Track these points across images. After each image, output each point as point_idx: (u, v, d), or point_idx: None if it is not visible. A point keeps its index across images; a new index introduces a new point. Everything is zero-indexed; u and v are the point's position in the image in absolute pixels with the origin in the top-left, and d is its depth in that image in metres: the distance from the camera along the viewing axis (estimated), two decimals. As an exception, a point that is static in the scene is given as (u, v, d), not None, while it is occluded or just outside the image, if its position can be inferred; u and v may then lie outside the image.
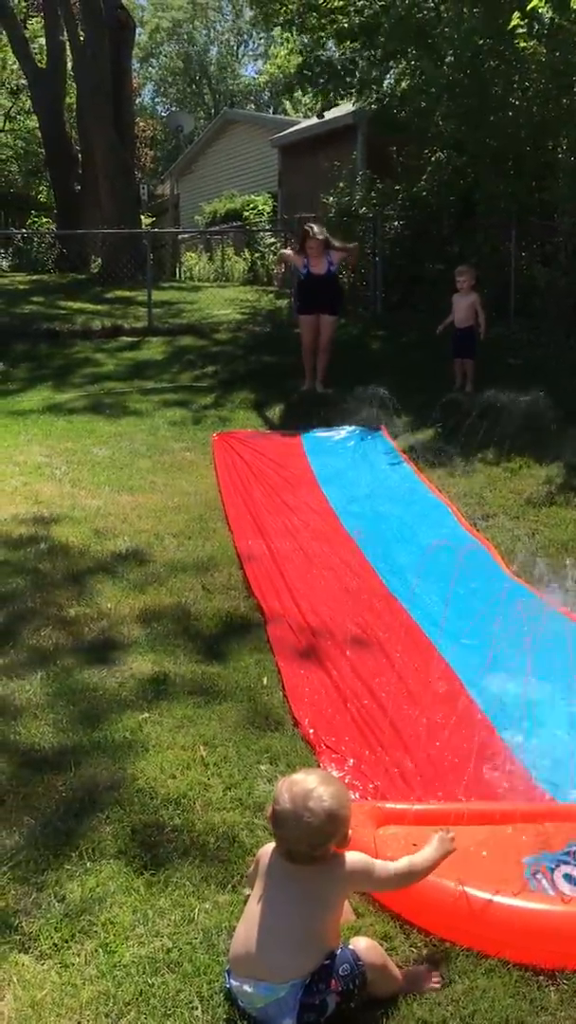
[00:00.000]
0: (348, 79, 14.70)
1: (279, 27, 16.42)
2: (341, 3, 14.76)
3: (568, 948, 2.36)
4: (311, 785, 2.18)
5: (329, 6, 14.88)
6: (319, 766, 3.20)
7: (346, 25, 14.57)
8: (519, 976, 2.30)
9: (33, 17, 25.98)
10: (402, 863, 2.31)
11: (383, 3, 13.81)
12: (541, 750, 3.25)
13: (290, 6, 15.32)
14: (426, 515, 6.03)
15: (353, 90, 14.93)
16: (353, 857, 2.25)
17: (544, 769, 3.15)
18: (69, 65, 21.86)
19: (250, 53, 52.64)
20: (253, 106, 48.54)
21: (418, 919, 2.47)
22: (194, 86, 51.58)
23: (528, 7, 10.24)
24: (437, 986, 2.26)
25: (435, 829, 2.73)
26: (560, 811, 2.89)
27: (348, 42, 14.64)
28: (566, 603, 4.52)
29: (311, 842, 2.15)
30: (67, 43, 21.12)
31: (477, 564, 5.09)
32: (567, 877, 2.59)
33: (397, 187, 15.15)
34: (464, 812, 2.83)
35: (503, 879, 2.53)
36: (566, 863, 2.63)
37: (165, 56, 51.89)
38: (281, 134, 22.08)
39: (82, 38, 19.05)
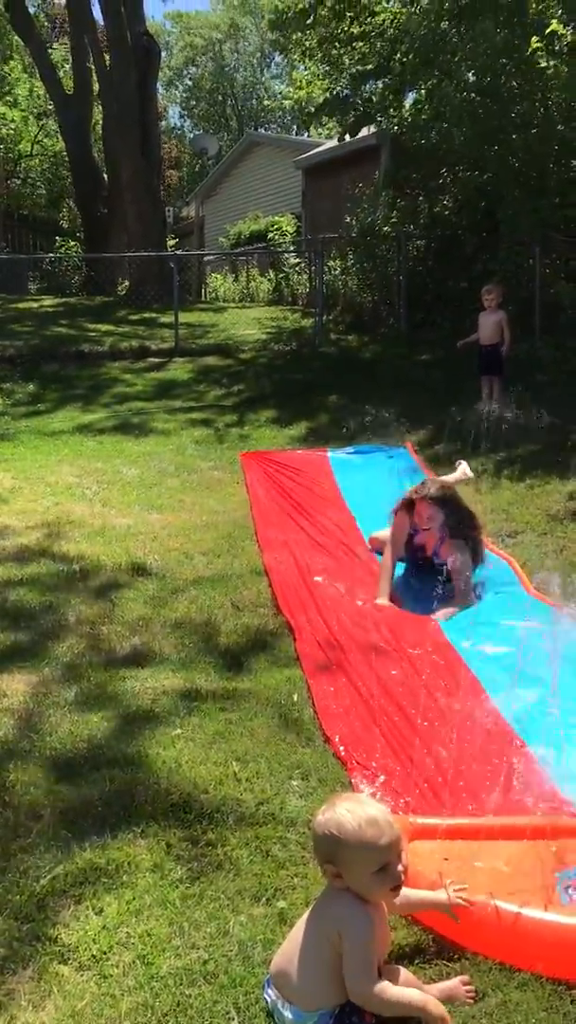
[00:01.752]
0: (367, 110, 14.93)
1: (298, 55, 16.65)
2: (359, 30, 14.96)
3: (601, 962, 2.37)
4: (340, 802, 2.21)
5: (349, 33, 15.09)
6: (350, 782, 3.23)
7: (366, 52, 14.78)
8: (552, 990, 2.31)
9: (57, 41, 26.40)
10: (377, 985, 2.09)
11: (399, 29, 14.00)
12: (571, 765, 3.26)
13: (310, 37, 15.53)
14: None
15: (375, 118, 15.13)
16: (356, 919, 2.13)
17: (574, 784, 3.16)
18: (95, 89, 22.21)
19: (273, 73, 53.13)
20: (277, 127, 48.99)
21: (450, 933, 2.49)
22: (219, 107, 52.14)
23: (547, 30, 10.36)
24: (470, 1000, 2.28)
25: (466, 844, 2.76)
26: (591, 826, 2.90)
27: (369, 81, 14.89)
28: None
29: (313, 848, 2.24)
30: (93, 69, 21.47)
31: (501, 581, 5.12)
32: (599, 892, 2.60)
33: (418, 207, 15.28)
34: (495, 827, 2.86)
35: (535, 893, 2.55)
36: (598, 878, 2.65)
37: (190, 79, 52.55)
38: (305, 155, 22.29)
39: (108, 63, 19.36)
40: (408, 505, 5.18)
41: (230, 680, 4.05)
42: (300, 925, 2.23)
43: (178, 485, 7.40)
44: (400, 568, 5.28)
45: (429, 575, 4.87)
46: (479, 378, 9.81)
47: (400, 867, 2.20)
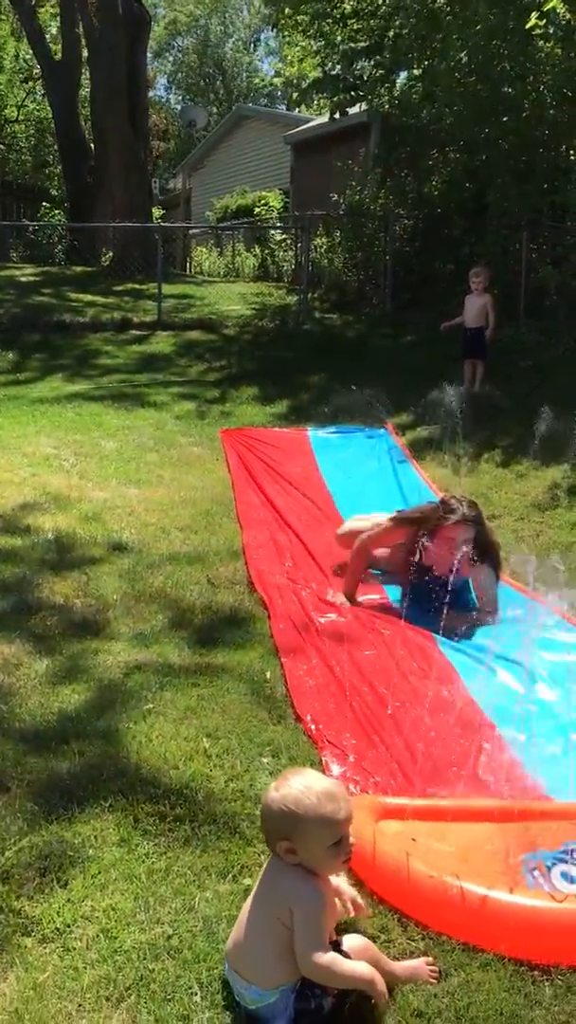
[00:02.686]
0: (359, 91, 14.81)
1: (291, 31, 16.47)
2: (352, 7, 14.83)
3: (563, 944, 2.38)
4: (292, 777, 2.21)
5: (342, 10, 14.95)
6: (321, 761, 3.23)
7: (359, 29, 14.66)
8: (514, 970, 2.32)
9: (42, 6, 25.94)
10: (327, 956, 2.10)
11: (392, 7, 13.87)
12: (540, 749, 3.27)
13: (303, 13, 15.36)
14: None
15: (366, 96, 15.00)
16: (308, 893, 2.14)
17: (543, 768, 3.17)
18: (84, 55, 21.89)
19: (265, 47, 52.55)
20: (266, 100, 48.50)
21: (415, 913, 2.50)
22: (208, 80, 51.52)
23: (546, 7, 10.26)
24: (433, 980, 2.29)
25: (434, 825, 2.77)
26: (558, 810, 2.92)
27: (361, 59, 14.76)
28: (563, 604, 4.53)
29: (264, 824, 2.22)
30: (82, 36, 21.15)
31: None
32: (564, 875, 2.62)
33: (407, 187, 15.21)
34: (463, 808, 2.87)
35: (501, 875, 2.56)
36: (563, 861, 2.66)
37: (180, 50, 51.87)
38: (294, 131, 22.10)
39: (97, 30, 19.07)
40: (417, 522, 4.54)
41: (203, 656, 4.04)
42: (248, 905, 2.23)
43: (157, 460, 7.35)
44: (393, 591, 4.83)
45: (437, 596, 4.20)
46: (462, 361, 9.82)
47: (352, 840, 2.22)
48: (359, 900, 2.43)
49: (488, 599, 4.50)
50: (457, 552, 4.28)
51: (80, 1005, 2.19)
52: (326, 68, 15.89)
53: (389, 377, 9.88)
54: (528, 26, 10.72)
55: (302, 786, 2.17)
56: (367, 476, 6.88)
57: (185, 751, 3.25)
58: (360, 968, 2.14)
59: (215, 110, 45.81)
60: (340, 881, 2.46)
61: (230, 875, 2.63)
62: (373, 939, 2.38)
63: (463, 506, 4.48)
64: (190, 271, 22.34)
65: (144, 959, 2.32)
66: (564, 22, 11.00)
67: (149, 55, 29.15)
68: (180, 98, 51.20)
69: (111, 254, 19.21)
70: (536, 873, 2.62)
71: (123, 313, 13.98)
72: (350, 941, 2.21)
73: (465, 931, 2.42)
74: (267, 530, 5.67)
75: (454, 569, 4.22)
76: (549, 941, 2.39)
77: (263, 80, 47.63)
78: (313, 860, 2.18)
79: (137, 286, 16.33)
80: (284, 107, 40.43)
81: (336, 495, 6.46)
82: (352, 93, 15.00)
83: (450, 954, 2.37)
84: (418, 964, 2.31)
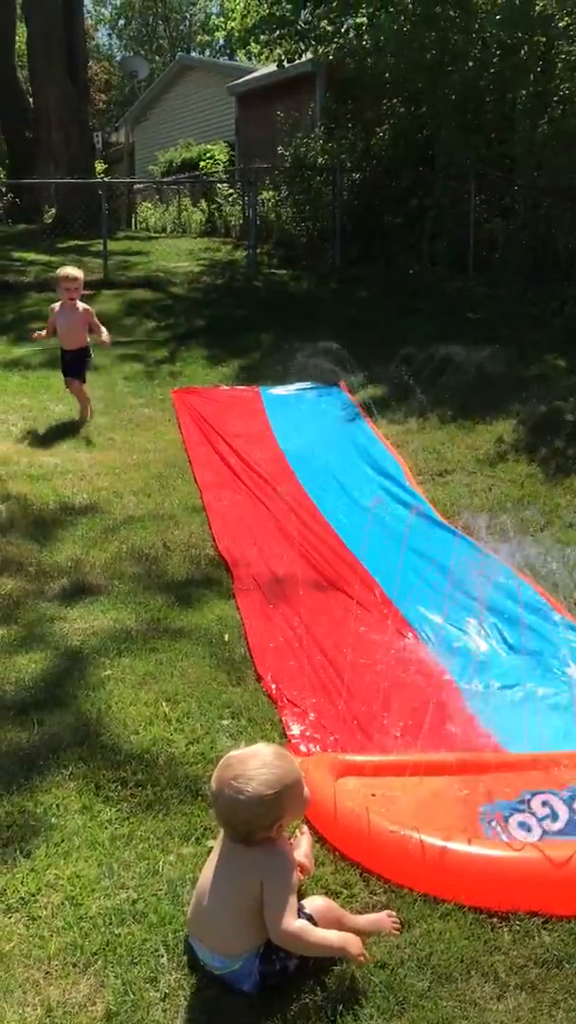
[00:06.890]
0: (305, 37, 14.50)
1: None
2: None
3: (520, 891, 2.44)
4: (242, 768, 2.15)
5: None
6: (281, 721, 3.25)
7: None
8: (474, 918, 2.38)
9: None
10: (297, 924, 2.10)
11: None
12: (495, 703, 3.32)
13: None
14: (380, 471, 6.07)
15: (311, 43, 14.70)
16: (281, 865, 2.15)
17: (498, 722, 3.23)
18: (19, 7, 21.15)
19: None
20: (209, 51, 47.38)
21: (376, 867, 2.54)
22: (149, 28, 50.14)
23: None
24: (396, 931, 2.33)
25: (394, 780, 2.82)
26: (514, 762, 2.98)
27: (306, 6, 14.42)
28: (514, 558, 4.58)
29: (237, 823, 2.15)
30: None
31: (427, 523, 5.15)
32: (521, 824, 2.68)
33: (353, 136, 15.02)
34: (421, 763, 2.91)
35: (460, 827, 2.61)
36: (520, 811, 2.73)
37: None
38: (238, 81, 21.66)
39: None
40: None
41: (161, 620, 4.03)
42: (209, 876, 2.21)
43: (107, 423, 7.26)
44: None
45: None
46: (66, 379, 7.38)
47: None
48: (306, 862, 2.45)
49: None
50: None
51: (47, 972, 2.20)
52: (273, 12, 15.48)
53: (340, 333, 9.83)
54: None
55: (259, 767, 2.15)
56: (320, 434, 6.87)
57: (145, 716, 3.25)
58: (330, 936, 2.15)
59: (158, 59, 44.65)
60: (303, 840, 2.50)
61: (193, 838, 2.65)
62: (336, 894, 2.43)
63: None
64: (135, 228, 21.93)
65: (110, 924, 2.34)
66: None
67: (87, 2, 28.33)
68: (122, 46, 49.82)
69: (54, 211, 18.74)
70: (494, 823, 2.68)
71: (68, 272, 13.68)
72: (312, 903, 2.23)
73: (425, 882, 2.47)
74: (224, 490, 5.66)
75: None
76: (507, 889, 2.45)
77: (212, 22, 46.32)
78: (287, 826, 2.22)
79: (81, 242, 15.99)
80: (228, 56, 39.52)
81: (288, 453, 6.43)
82: (300, 41, 14.70)
83: (411, 906, 2.42)
84: (380, 917, 2.35)
